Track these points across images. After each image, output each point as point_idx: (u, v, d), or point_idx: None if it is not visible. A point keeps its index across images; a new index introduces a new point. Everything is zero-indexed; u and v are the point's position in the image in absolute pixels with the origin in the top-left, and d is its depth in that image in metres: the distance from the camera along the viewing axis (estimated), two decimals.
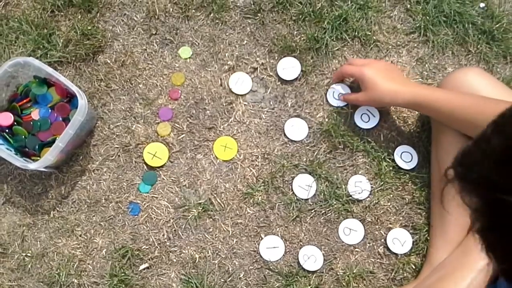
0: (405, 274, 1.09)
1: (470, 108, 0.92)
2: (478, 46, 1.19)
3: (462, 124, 0.95)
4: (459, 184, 0.52)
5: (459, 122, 0.95)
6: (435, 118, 1.04)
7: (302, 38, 1.20)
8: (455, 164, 0.54)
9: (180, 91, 1.19)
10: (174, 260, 1.11)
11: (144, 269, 1.11)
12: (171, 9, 1.22)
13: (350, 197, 1.13)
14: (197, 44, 1.21)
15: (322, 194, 1.13)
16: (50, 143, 1.08)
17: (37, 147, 1.10)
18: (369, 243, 1.11)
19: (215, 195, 1.14)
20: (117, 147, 1.16)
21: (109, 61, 1.20)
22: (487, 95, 0.96)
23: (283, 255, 1.11)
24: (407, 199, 1.12)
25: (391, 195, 1.13)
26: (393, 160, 1.14)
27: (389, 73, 1.05)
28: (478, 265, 0.92)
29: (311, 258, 1.10)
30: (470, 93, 0.97)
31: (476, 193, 0.50)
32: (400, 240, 1.10)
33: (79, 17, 1.21)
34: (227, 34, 1.21)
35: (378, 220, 1.12)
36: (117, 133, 1.17)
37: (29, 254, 1.12)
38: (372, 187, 1.13)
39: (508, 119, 0.50)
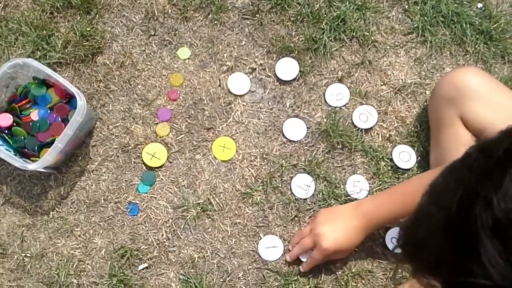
0: (403, 273, 1.09)
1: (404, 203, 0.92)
2: (476, 46, 1.19)
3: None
4: (411, 265, 0.47)
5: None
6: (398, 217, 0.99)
7: (300, 39, 1.20)
8: (402, 243, 0.48)
9: (178, 92, 1.19)
10: (173, 260, 1.11)
11: (143, 269, 1.11)
12: (169, 10, 1.22)
13: (349, 197, 1.13)
14: (195, 45, 1.21)
15: (321, 193, 1.13)
16: (49, 144, 1.08)
17: (36, 147, 1.11)
18: (367, 242, 1.11)
19: (214, 195, 1.14)
20: (116, 148, 1.16)
21: (108, 62, 1.20)
22: (486, 95, 0.96)
23: (282, 254, 1.11)
24: None
25: None
26: (392, 160, 1.14)
27: (339, 228, 1.01)
28: None
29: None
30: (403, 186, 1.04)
31: (430, 274, 0.44)
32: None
33: (78, 18, 1.21)
34: (225, 35, 1.22)
35: None
36: (116, 134, 1.17)
37: (28, 255, 1.12)
38: (370, 186, 1.13)
39: (440, 187, 0.44)
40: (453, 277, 0.40)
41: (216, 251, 1.12)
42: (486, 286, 0.37)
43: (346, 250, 1.03)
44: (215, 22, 1.22)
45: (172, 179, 1.15)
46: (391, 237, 1.10)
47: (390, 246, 1.10)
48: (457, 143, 1.00)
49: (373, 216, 0.99)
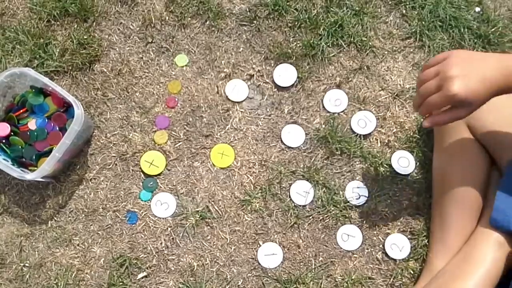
0: (403, 280, 1.09)
1: None
2: (474, 51, 1.19)
3: None
4: None
5: None
6: None
7: (298, 45, 1.20)
8: None
9: (176, 99, 1.19)
10: (172, 269, 1.11)
11: (142, 277, 1.11)
12: (167, 17, 1.22)
13: (348, 203, 1.12)
14: (193, 52, 1.21)
15: (320, 200, 1.13)
16: (47, 153, 1.08)
17: (34, 157, 1.10)
18: (367, 249, 1.11)
19: (212, 202, 1.14)
20: (114, 156, 1.16)
21: (105, 70, 1.20)
22: (491, 101, 0.84)
23: (282, 262, 1.11)
24: (404, 205, 1.12)
25: (389, 201, 1.13)
26: (390, 166, 1.13)
27: (474, 74, 0.80)
28: (478, 273, 0.91)
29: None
30: None
31: None
32: (398, 246, 1.10)
33: (75, 26, 1.21)
34: (223, 41, 1.21)
35: (376, 226, 1.12)
36: (114, 142, 1.17)
37: (27, 264, 1.12)
38: (369, 192, 1.13)
39: None
40: None
41: (215, 259, 1.11)
42: None
43: (472, 103, 0.81)
44: (213, 29, 1.22)
45: (171, 187, 1.15)
46: (391, 243, 1.10)
47: (390, 252, 1.10)
48: (463, 149, 0.99)
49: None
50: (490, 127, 0.94)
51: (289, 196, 1.13)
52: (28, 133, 1.12)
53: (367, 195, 1.13)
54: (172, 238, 1.12)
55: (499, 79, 0.80)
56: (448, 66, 0.82)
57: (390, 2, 1.23)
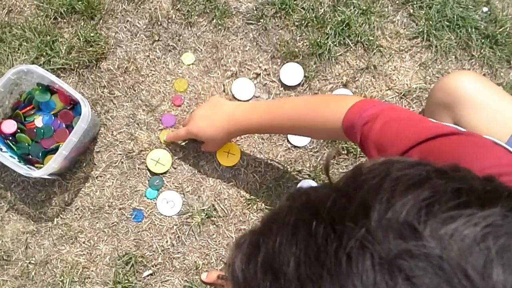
0: None
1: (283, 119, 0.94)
2: (482, 51, 1.18)
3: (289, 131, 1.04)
4: None
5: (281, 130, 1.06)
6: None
7: (304, 44, 1.20)
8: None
9: (183, 97, 1.19)
10: (178, 267, 1.11)
11: (147, 275, 1.11)
12: (173, 16, 1.22)
13: None
14: (200, 50, 1.21)
15: None
16: (53, 151, 1.08)
17: (40, 154, 1.11)
18: None
19: (218, 201, 1.14)
20: (120, 154, 1.16)
21: (112, 68, 1.20)
22: (479, 100, 0.90)
23: None
24: None
25: None
26: None
27: (211, 116, 1.05)
28: None
29: None
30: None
31: None
32: None
33: (82, 24, 1.21)
34: (229, 40, 1.21)
35: None
36: (120, 140, 1.17)
37: (32, 261, 1.12)
38: None
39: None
40: None
41: (220, 258, 1.11)
42: None
43: (209, 143, 1.09)
44: (219, 27, 1.22)
45: (177, 185, 1.15)
46: None
47: None
48: None
49: (243, 124, 1.00)
50: (478, 129, 0.89)
51: None
52: (35, 130, 1.12)
53: None
54: (178, 237, 1.12)
55: (229, 125, 1.01)
56: (198, 107, 1.10)
57: (397, 2, 1.22)
